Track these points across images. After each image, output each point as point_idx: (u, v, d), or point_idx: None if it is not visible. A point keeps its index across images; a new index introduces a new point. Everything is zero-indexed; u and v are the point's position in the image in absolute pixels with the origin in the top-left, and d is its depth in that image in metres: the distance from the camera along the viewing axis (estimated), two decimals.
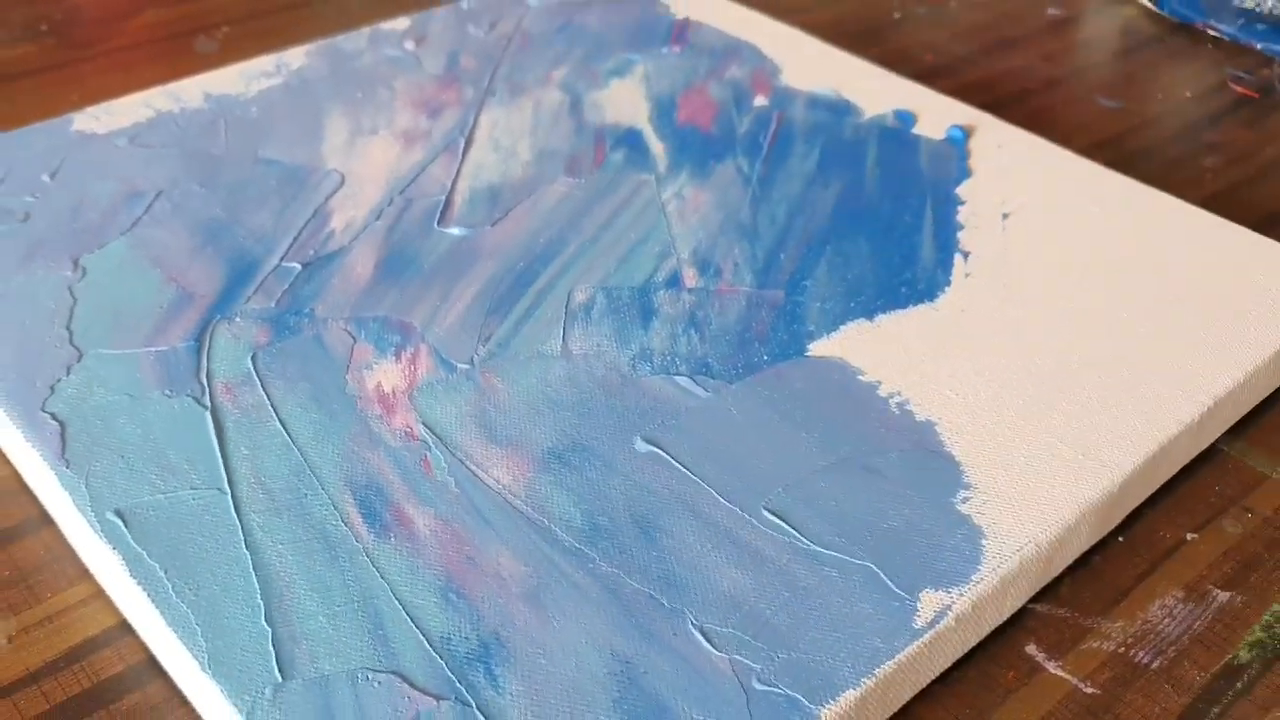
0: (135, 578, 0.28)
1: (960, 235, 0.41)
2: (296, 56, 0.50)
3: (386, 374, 0.35)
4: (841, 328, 0.37)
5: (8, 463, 0.34)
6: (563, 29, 0.53)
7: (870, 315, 0.37)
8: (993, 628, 0.30)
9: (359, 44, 0.52)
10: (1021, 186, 0.43)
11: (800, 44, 0.53)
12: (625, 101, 0.48)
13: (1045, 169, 0.44)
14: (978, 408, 0.34)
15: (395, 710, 0.26)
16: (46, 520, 0.33)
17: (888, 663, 0.27)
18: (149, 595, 0.28)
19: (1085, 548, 0.33)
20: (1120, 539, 0.34)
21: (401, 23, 0.53)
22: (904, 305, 0.38)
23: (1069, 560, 0.32)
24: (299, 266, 0.38)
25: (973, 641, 0.30)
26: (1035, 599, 0.32)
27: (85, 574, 0.31)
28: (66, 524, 0.31)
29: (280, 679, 0.26)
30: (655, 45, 0.52)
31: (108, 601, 0.31)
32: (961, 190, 0.43)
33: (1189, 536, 0.34)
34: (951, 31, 0.62)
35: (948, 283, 0.39)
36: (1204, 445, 0.36)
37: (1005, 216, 0.42)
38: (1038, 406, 0.34)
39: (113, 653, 0.30)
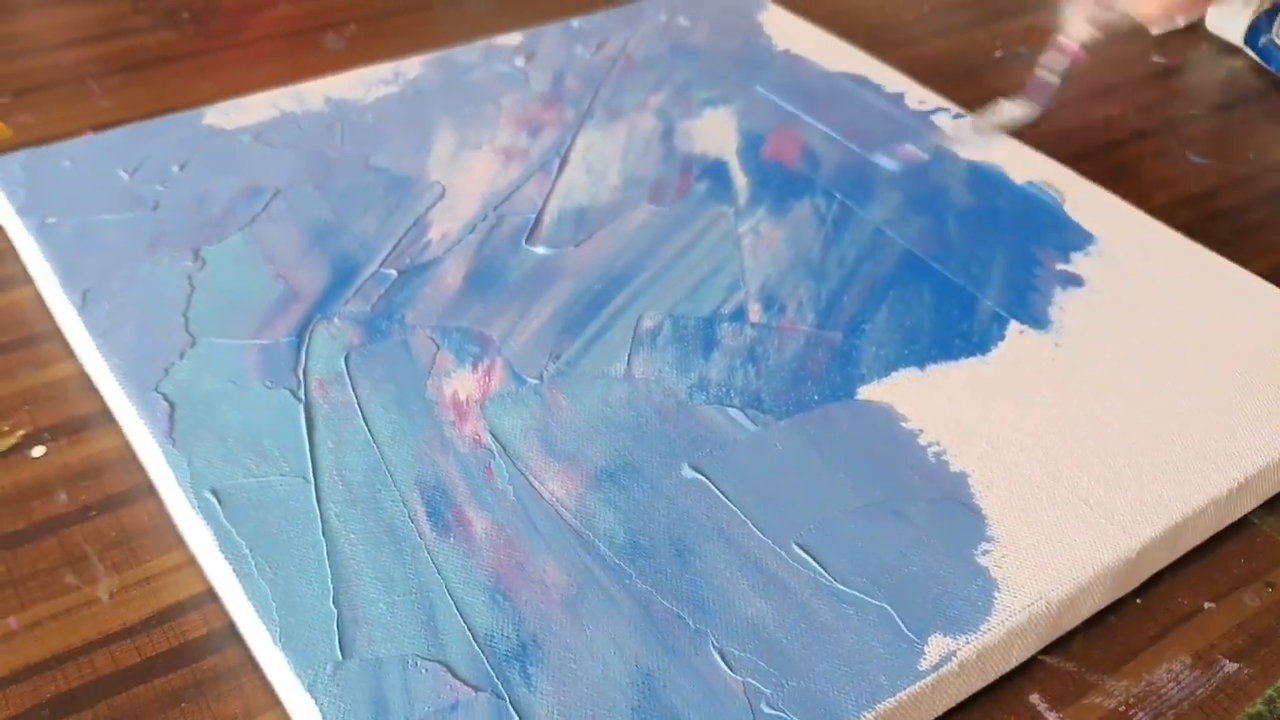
0: (224, 552, 0.32)
1: (1026, 293, 0.42)
2: (413, 66, 0.54)
3: (463, 383, 0.38)
4: (893, 374, 0.39)
5: (122, 434, 0.38)
6: (667, 54, 0.56)
7: (922, 364, 0.39)
8: (998, 675, 0.32)
9: (473, 57, 0.55)
10: (1092, 248, 0.45)
11: (893, 84, 0.54)
12: (715, 132, 0.51)
13: (1116, 230, 0.45)
14: (1012, 464, 0.36)
15: (438, 696, 0.29)
16: (151, 490, 0.36)
17: (888, 700, 0.29)
18: (234, 569, 0.31)
19: (1100, 607, 0.34)
20: (1138, 601, 0.36)
21: (514, 38, 0.56)
22: (955, 357, 0.40)
23: (1081, 618, 0.34)
24: (395, 273, 0.42)
25: (977, 686, 0.32)
26: (1046, 651, 0.34)
27: (181, 543, 0.35)
28: (168, 496, 0.35)
29: (340, 657, 0.29)
30: (752, 77, 0.54)
31: (198, 570, 0.34)
32: (1036, 248, 0.44)
33: (1206, 605, 0.36)
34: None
35: (1001, 338, 0.41)
36: (1234, 517, 0.38)
37: (1069, 277, 0.43)
38: (1070, 467, 0.36)
39: (199, 617, 0.33)
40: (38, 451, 0.38)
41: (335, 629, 0.30)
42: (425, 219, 0.45)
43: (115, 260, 0.41)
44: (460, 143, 0.49)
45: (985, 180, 0.48)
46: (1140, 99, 0.61)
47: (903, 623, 0.31)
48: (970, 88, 0.61)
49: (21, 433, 0.39)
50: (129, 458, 0.38)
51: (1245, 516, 0.38)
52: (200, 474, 0.34)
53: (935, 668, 0.30)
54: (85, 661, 0.32)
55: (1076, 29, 0.47)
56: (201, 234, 0.43)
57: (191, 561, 0.35)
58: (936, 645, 0.31)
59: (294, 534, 0.32)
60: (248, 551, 0.32)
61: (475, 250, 0.43)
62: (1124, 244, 0.45)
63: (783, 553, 0.33)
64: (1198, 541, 0.37)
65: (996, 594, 0.32)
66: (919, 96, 0.54)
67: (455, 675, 0.29)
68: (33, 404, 0.40)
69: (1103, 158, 0.56)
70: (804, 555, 0.33)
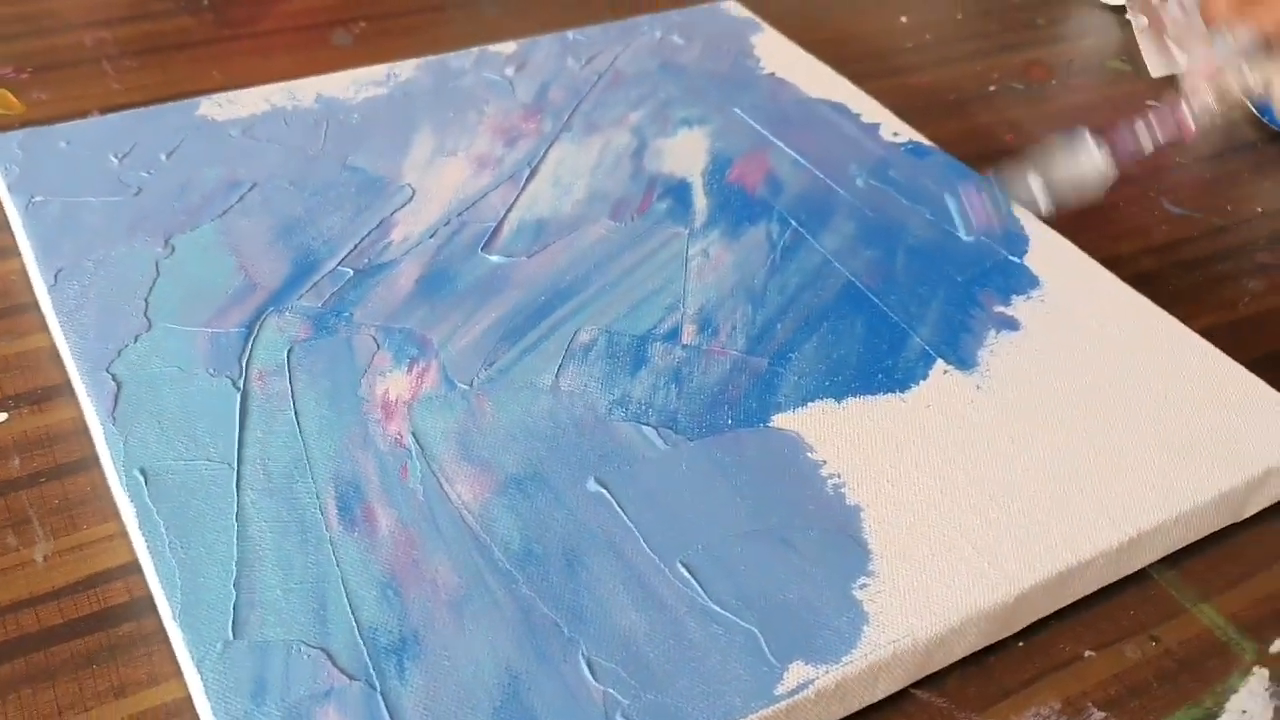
0: (141, 529, 0.34)
1: (959, 333, 0.44)
2: (407, 69, 0.56)
3: (396, 383, 0.40)
4: (809, 404, 0.40)
5: (79, 407, 0.41)
6: (654, 71, 0.57)
7: (839, 396, 0.41)
8: (863, 705, 0.34)
9: (465, 64, 0.57)
10: (1035, 292, 0.46)
11: (871, 114, 0.55)
12: (686, 152, 0.52)
13: (1062, 276, 0.46)
14: (908, 501, 0.37)
15: (315, 681, 0.31)
16: (96, 463, 0.39)
17: (746, 719, 0.31)
18: (148, 546, 0.34)
19: (976, 648, 0.36)
20: (1020, 643, 0.37)
21: (508, 47, 0.58)
22: (874, 392, 0.41)
23: (955, 657, 0.35)
24: (351, 272, 0.44)
25: (837, 715, 0.33)
26: (919, 685, 0.35)
27: (115, 514, 0.37)
28: (107, 470, 0.37)
29: (232, 637, 0.32)
30: (737, 99, 0.55)
31: (126, 541, 0.37)
32: (978, 289, 0.46)
33: (1087, 653, 0.37)
34: (1042, 112, 0.64)
35: (924, 376, 0.42)
36: (1129, 570, 0.39)
37: (1005, 320, 0.44)
38: (964, 510, 0.37)
39: (122, 585, 0.36)
40: (1, 417, 0.41)
41: (231, 610, 0.32)
42: (390, 220, 0.47)
43: (92, 242, 0.44)
44: (437, 148, 0.51)
45: (943, 215, 0.49)
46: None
47: (767, 647, 0.33)
48: (957, 119, 0.62)
49: None
50: (81, 430, 0.40)
51: (1145, 569, 0.39)
52: (133, 453, 0.36)
53: (791, 693, 0.32)
54: (12, 619, 0.35)
55: (1199, 103, 0.43)
56: (176, 222, 0.45)
57: (123, 533, 0.37)
58: (796, 672, 0.32)
59: (209, 517, 0.35)
60: (164, 530, 0.34)
61: (432, 254, 0.45)
62: (1068, 291, 0.46)
63: (666, 570, 0.34)
64: (1087, 591, 0.38)
65: (865, 627, 0.33)
66: (894, 128, 0.55)
67: (335, 663, 0.31)
68: (3, 372, 0.42)
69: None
70: (685, 574, 0.34)
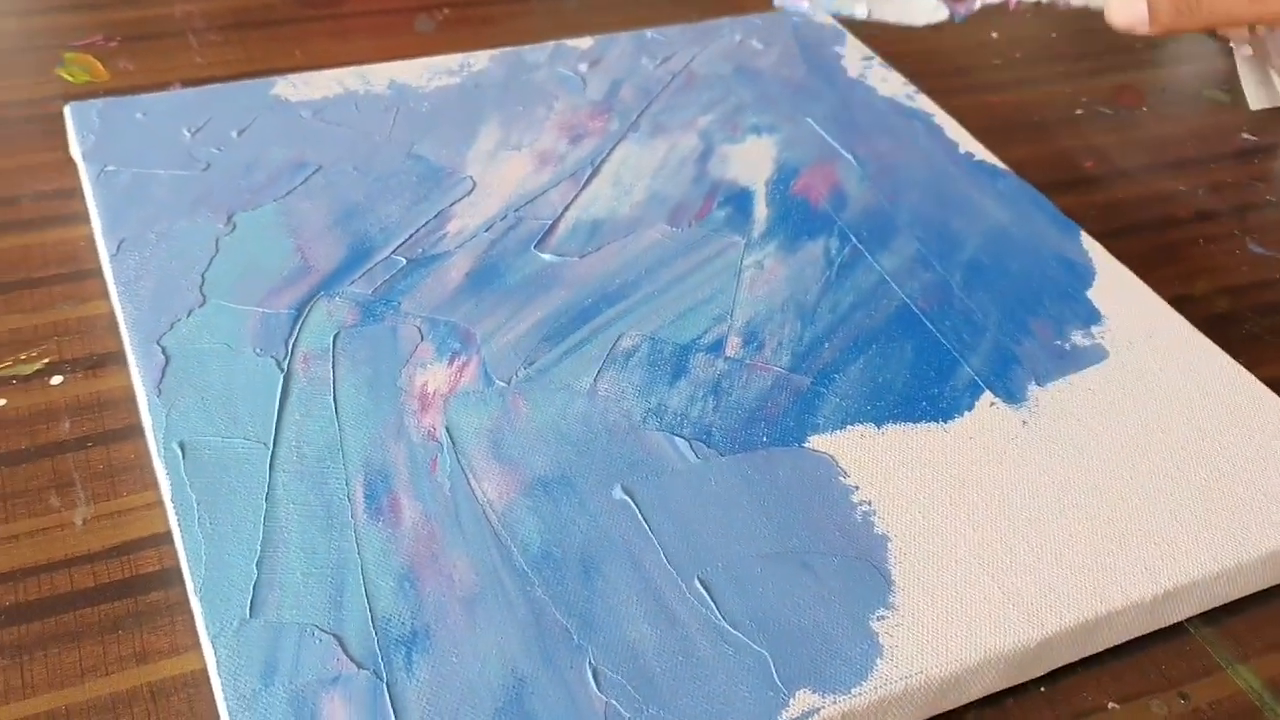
0: (173, 501, 0.35)
1: (1010, 365, 0.43)
2: (482, 59, 0.56)
3: (435, 375, 0.40)
4: (848, 428, 0.40)
5: (130, 376, 0.42)
6: (730, 75, 0.57)
7: (880, 422, 0.40)
8: None
9: (540, 57, 0.57)
10: (1096, 328, 0.45)
11: (946, 132, 0.54)
12: (752, 160, 0.52)
13: (1127, 313, 0.45)
14: (937, 534, 0.37)
15: (324, 667, 0.31)
16: (141, 431, 0.40)
17: None
18: (178, 518, 0.34)
19: (994, 689, 0.35)
20: (1041, 689, 0.36)
21: (585, 42, 0.58)
22: (916, 420, 0.40)
23: (971, 697, 0.35)
24: (404, 261, 0.44)
25: None
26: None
27: (154, 484, 0.38)
28: (148, 439, 0.38)
29: (249, 616, 0.32)
30: (814, 106, 0.55)
31: (162, 511, 0.37)
32: (1036, 320, 0.45)
33: (1110, 705, 0.36)
34: (1127, 139, 0.62)
35: (970, 408, 0.41)
36: (1164, 623, 0.37)
37: (1058, 355, 0.43)
38: (995, 548, 0.36)
39: (154, 554, 0.36)
40: (56, 380, 0.42)
41: (251, 589, 0.33)
42: (448, 212, 0.47)
43: (156, 214, 0.45)
44: (502, 141, 0.51)
45: (1008, 241, 0.48)
46: (1215, 177, 0.60)
47: (776, 672, 0.32)
48: (1038, 141, 0.61)
49: (46, 361, 0.42)
50: (131, 399, 0.41)
51: (1181, 623, 0.38)
52: (174, 425, 0.37)
53: None
54: (46, 579, 0.36)
55: None
56: (240, 200, 0.46)
57: (160, 503, 0.38)
58: (802, 700, 0.32)
59: (240, 495, 0.35)
60: (195, 504, 0.35)
61: (485, 249, 0.45)
62: (1130, 329, 0.45)
63: (683, 585, 0.34)
64: (1116, 641, 0.37)
65: (878, 660, 0.33)
66: (969, 147, 0.54)
67: (345, 650, 0.32)
68: (63, 336, 0.43)
69: (1154, 234, 0.55)
70: (702, 590, 0.34)
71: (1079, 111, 0.64)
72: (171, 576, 0.36)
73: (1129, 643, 0.38)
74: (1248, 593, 0.39)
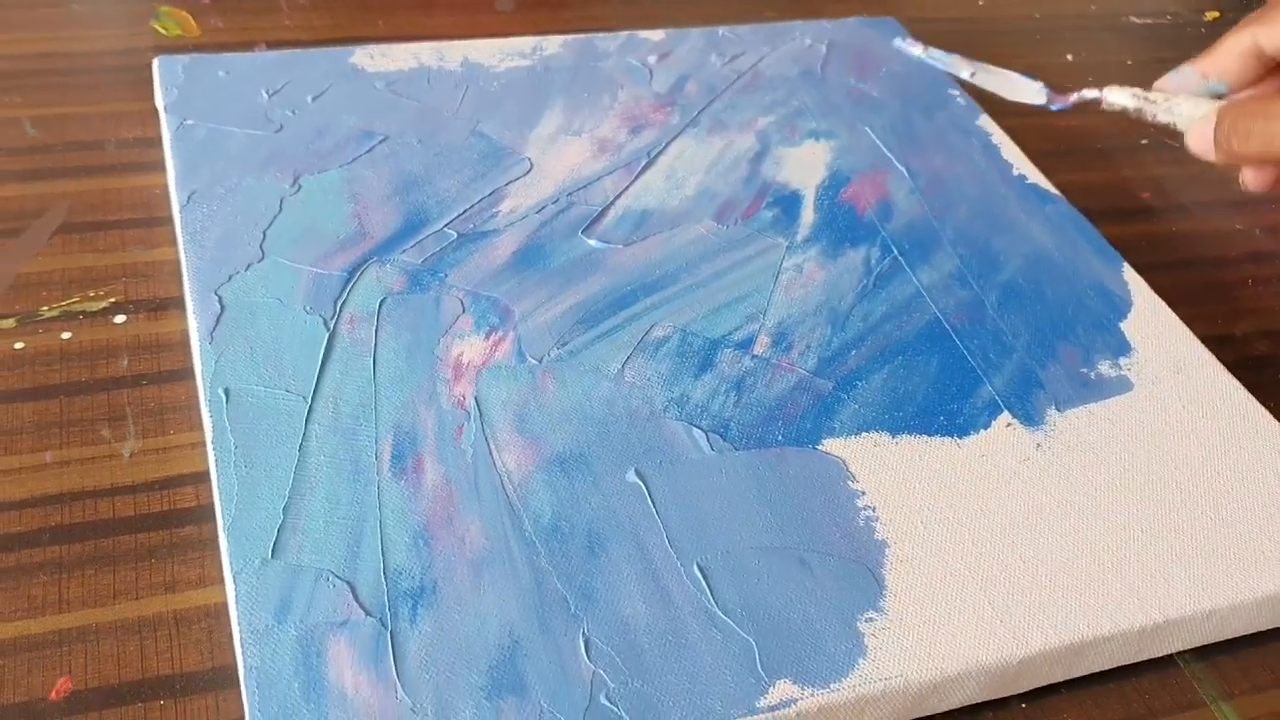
0: (213, 443, 0.37)
1: (1032, 388, 0.43)
2: (554, 44, 0.58)
3: (472, 347, 0.42)
4: (863, 434, 0.41)
5: (188, 321, 0.44)
6: (795, 78, 0.58)
7: (895, 432, 0.41)
8: None
9: (611, 46, 0.58)
10: (1124, 360, 0.45)
11: (1003, 152, 0.55)
12: (806, 164, 0.53)
13: (1158, 348, 0.46)
14: (935, 546, 0.38)
15: (334, 611, 0.33)
16: (192, 374, 0.42)
17: None
18: (216, 459, 0.37)
19: (975, 700, 0.36)
20: (1023, 704, 0.37)
21: (657, 34, 0.60)
22: (931, 433, 0.41)
23: (951, 705, 0.36)
24: (455, 235, 0.46)
25: None
26: None
27: (199, 425, 0.41)
28: (198, 383, 0.41)
29: (270, 557, 0.34)
30: (876, 115, 0.56)
31: (204, 452, 0.40)
32: (1065, 346, 0.45)
33: None
34: (1188, 174, 0.62)
35: (986, 426, 0.42)
36: (1154, 654, 0.38)
37: (1082, 382, 0.44)
38: (991, 564, 0.37)
39: (192, 491, 0.39)
40: (119, 319, 0.44)
41: (276, 532, 0.35)
42: (503, 190, 0.49)
43: (227, 169, 0.47)
44: (564, 126, 0.53)
45: (1049, 266, 0.49)
46: (1274, 219, 0.60)
47: (760, 661, 0.34)
48: (1097, 169, 0.61)
49: (112, 300, 0.45)
50: (186, 343, 0.44)
51: (1171, 656, 0.39)
52: (221, 372, 0.39)
53: (771, 709, 0.33)
54: (91, 504, 0.38)
55: (1117, 97, 0.47)
56: (307, 163, 0.48)
57: (203, 443, 0.40)
58: (782, 690, 0.33)
59: (277, 443, 0.37)
60: (233, 447, 0.37)
61: (534, 229, 0.47)
62: (1159, 364, 0.45)
63: (682, 569, 0.36)
64: (1103, 667, 0.38)
65: (860, 660, 0.34)
66: (1024, 169, 0.54)
67: (356, 597, 0.34)
68: (130, 278, 0.46)
69: (1203, 270, 0.55)
70: (699, 576, 0.36)
71: (1144, 141, 0.64)
72: (206, 513, 0.38)
73: (1116, 669, 0.38)
74: (1241, 633, 0.39)
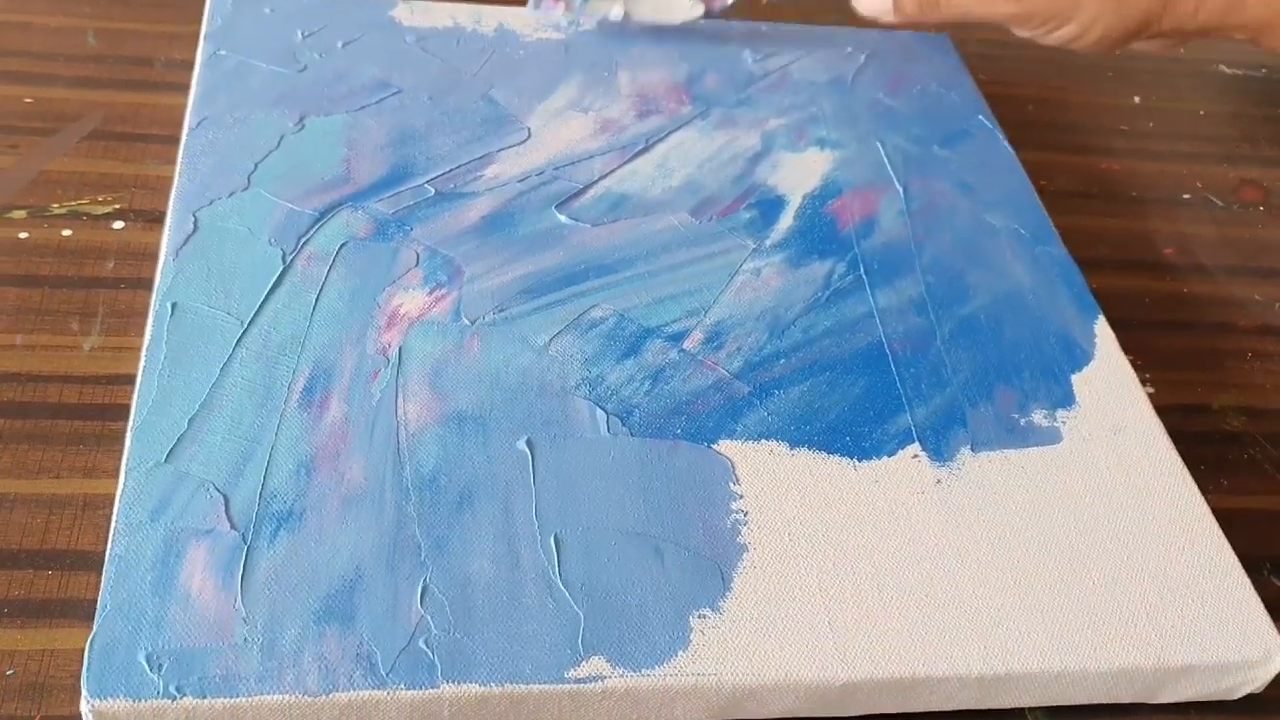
0: (147, 350, 0.40)
1: (953, 426, 0.43)
2: (589, 22, 0.59)
3: (413, 300, 0.44)
4: (762, 441, 0.42)
5: None
6: (822, 84, 0.58)
7: (793, 445, 0.42)
8: None
9: (644, 28, 0.60)
10: (1062, 412, 0.45)
11: (1014, 188, 0.55)
12: (803, 171, 0.53)
13: (1103, 405, 0.45)
14: (794, 559, 0.38)
15: (203, 519, 0.36)
16: None
17: (516, 684, 0.34)
18: (144, 365, 0.40)
19: (799, 714, 0.37)
20: None
21: (697, 21, 0.61)
22: (831, 451, 0.42)
23: (772, 713, 0.37)
24: (433, 192, 0.49)
25: (627, 719, 0.36)
26: None
27: None
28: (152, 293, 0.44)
29: (163, 460, 0.38)
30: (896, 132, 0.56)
31: None
32: (1005, 388, 0.45)
33: None
34: (1223, 236, 0.60)
35: (890, 454, 0.42)
36: (1003, 704, 0.38)
37: (1008, 428, 0.44)
38: (843, 586, 0.38)
39: (130, 390, 0.42)
40: (118, 225, 0.48)
41: (175, 440, 0.38)
42: (493, 156, 0.51)
43: (242, 101, 0.51)
44: (574, 101, 0.55)
45: (1017, 307, 0.48)
46: None
47: (582, 635, 0.35)
48: (1123, 217, 0.60)
49: (116, 206, 0.49)
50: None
51: (1023, 710, 0.39)
52: (175, 288, 0.43)
53: (577, 681, 0.34)
54: (42, 387, 0.42)
55: None
56: (318, 105, 0.51)
57: None
58: (593, 665, 0.35)
59: (204, 360, 0.41)
60: (163, 357, 0.40)
61: (510, 198, 0.49)
62: (1098, 424, 0.45)
63: (539, 537, 0.38)
64: (945, 707, 0.38)
65: (680, 652, 0.36)
66: (1029, 206, 0.54)
67: (227, 510, 0.37)
68: (139, 188, 0.50)
69: (1202, 335, 0.54)
70: (552, 547, 0.37)
71: (1186, 196, 0.62)
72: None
73: (966, 713, 0.39)
74: (1097, 701, 0.39)
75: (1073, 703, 0.39)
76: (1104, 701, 0.39)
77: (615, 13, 0.55)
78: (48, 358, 0.43)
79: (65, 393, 0.42)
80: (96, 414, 0.42)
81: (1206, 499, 0.46)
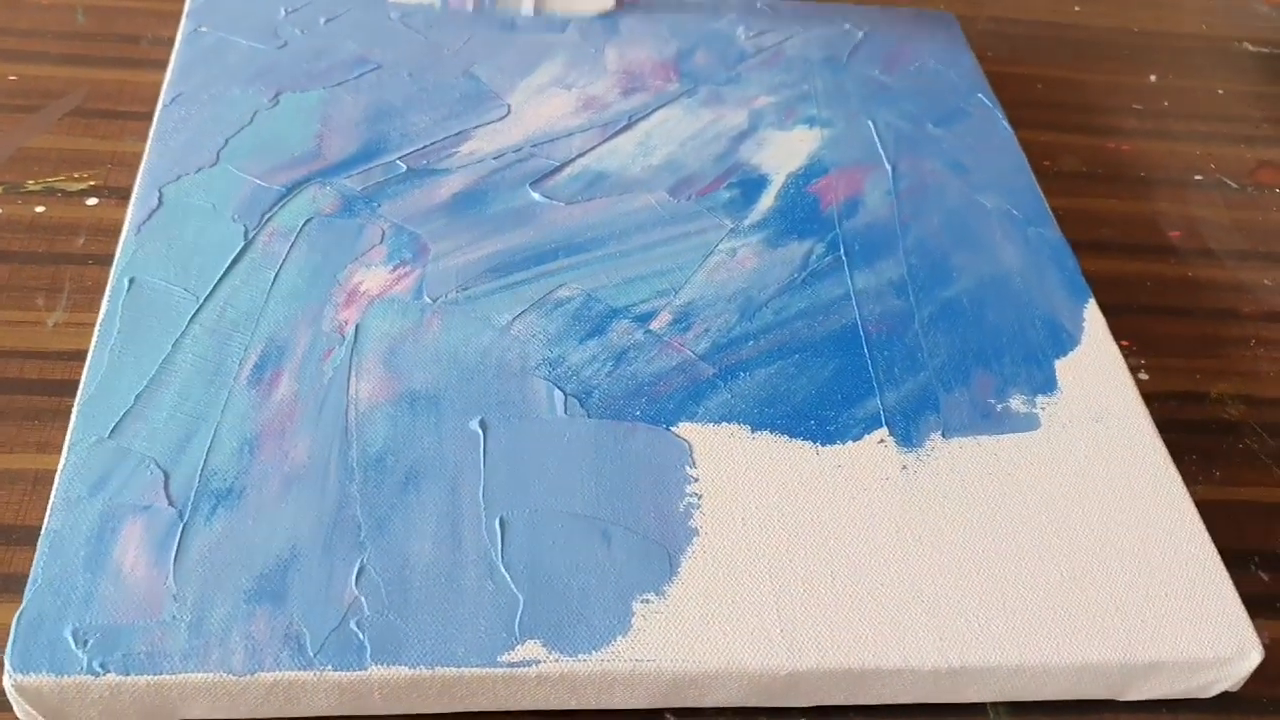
0: (100, 325, 0.40)
1: (923, 411, 0.42)
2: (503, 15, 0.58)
3: (374, 277, 0.44)
4: (723, 424, 0.41)
5: None
6: (816, 62, 0.57)
7: (755, 428, 0.41)
8: (597, 706, 0.35)
9: (635, 4, 0.59)
10: (1043, 398, 0.43)
11: (1009, 169, 0.53)
12: (788, 149, 0.52)
13: (1089, 395, 0.43)
14: (747, 546, 0.37)
15: (141, 495, 0.36)
16: None
17: (448, 667, 0.33)
18: (98, 336, 0.40)
19: (744, 703, 0.36)
20: (803, 718, 0.37)
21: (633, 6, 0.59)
22: (793, 435, 0.41)
23: (716, 701, 0.36)
24: (405, 169, 0.48)
25: (568, 704, 0.35)
26: (684, 713, 0.36)
27: None
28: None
29: (106, 436, 0.37)
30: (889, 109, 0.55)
31: None
32: (984, 372, 0.44)
33: None
34: (1234, 219, 0.58)
35: (856, 439, 0.41)
36: (961, 698, 0.37)
37: (984, 414, 0.43)
38: (796, 574, 0.37)
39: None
40: (91, 201, 0.48)
41: (120, 416, 0.38)
42: (470, 133, 0.50)
43: (218, 77, 0.50)
44: (557, 78, 0.54)
45: (1002, 290, 0.47)
46: None
47: (519, 618, 0.35)
48: (1130, 199, 0.58)
49: (91, 183, 0.49)
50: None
51: (984, 705, 0.38)
52: (133, 263, 0.42)
53: (510, 665, 0.34)
54: (3, 363, 0.42)
55: None
56: (295, 81, 0.51)
57: None
58: (529, 649, 0.34)
59: (157, 336, 0.40)
60: (116, 332, 0.40)
61: (484, 175, 0.48)
62: (1081, 411, 0.43)
63: (483, 519, 0.37)
64: (898, 700, 0.37)
65: (620, 637, 0.35)
66: (1025, 187, 0.52)
67: (166, 487, 0.36)
68: (115, 165, 0.50)
69: (1204, 321, 0.52)
70: (496, 529, 0.37)
71: (1198, 177, 0.60)
72: None
73: (923, 707, 0.38)
74: (1062, 697, 0.38)
75: (1037, 698, 0.38)
76: (1070, 698, 0.38)
77: (526, 8, 0.55)
78: (10, 332, 0.43)
79: (26, 368, 0.42)
80: (54, 389, 0.42)
81: (1197, 490, 0.44)
